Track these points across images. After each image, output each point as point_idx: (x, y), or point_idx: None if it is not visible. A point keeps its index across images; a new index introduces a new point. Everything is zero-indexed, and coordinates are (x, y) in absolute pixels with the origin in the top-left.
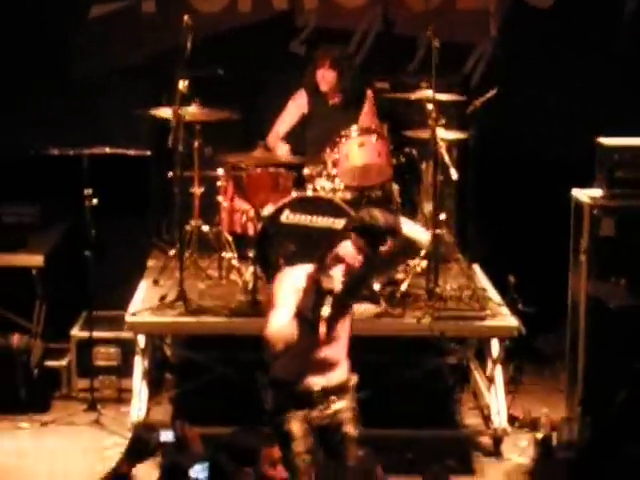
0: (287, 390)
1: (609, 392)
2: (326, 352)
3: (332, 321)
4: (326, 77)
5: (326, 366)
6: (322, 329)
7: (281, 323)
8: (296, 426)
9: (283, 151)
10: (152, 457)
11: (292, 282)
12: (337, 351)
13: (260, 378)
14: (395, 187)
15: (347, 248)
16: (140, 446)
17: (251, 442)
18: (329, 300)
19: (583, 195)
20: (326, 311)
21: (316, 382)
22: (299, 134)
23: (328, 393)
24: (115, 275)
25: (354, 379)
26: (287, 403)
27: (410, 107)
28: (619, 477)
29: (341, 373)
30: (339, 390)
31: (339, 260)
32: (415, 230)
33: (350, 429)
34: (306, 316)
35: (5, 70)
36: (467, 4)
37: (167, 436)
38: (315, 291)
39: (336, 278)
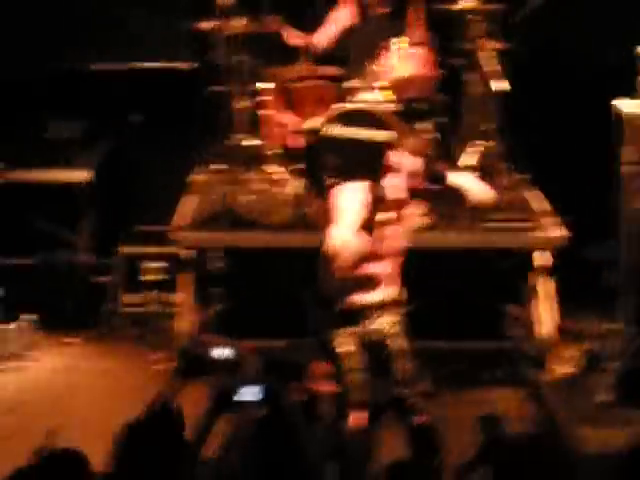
0: (333, 307)
1: None
2: (375, 266)
3: (383, 229)
4: None
5: (373, 281)
6: (377, 235)
7: (344, 238)
8: (343, 344)
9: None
10: (204, 375)
11: (349, 196)
12: (385, 266)
13: (307, 297)
14: (441, 98)
15: (398, 155)
16: (191, 363)
17: (300, 357)
18: (383, 207)
19: (624, 105)
20: (381, 217)
21: (363, 298)
22: (343, 44)
23: (375, 308)
24: (160, 190)
25: (403, 294)
26: (333, 321)
27: (455, 18)
28: None
29: (389, 288)
30: (387, 305)
31: (393, 169)
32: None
33: (398, 344)
34: (365, 227)
35: None
36: None
37: (220, 353)
38: (371, 201)
39: (388, 187)
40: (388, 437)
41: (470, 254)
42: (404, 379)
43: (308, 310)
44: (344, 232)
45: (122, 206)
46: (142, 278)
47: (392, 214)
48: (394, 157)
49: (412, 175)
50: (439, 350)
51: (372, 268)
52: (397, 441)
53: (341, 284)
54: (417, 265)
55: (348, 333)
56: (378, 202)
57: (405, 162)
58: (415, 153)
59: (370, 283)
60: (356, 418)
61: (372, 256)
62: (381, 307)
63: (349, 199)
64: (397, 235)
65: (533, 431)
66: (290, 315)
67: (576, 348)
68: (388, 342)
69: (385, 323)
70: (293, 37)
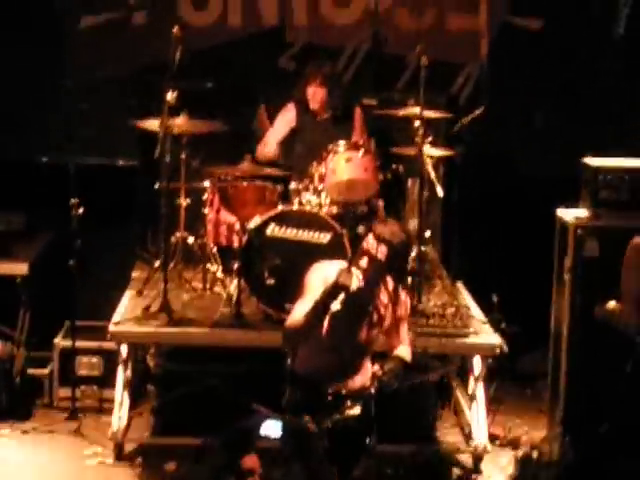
0: (304, 388)
1: (591, 412)
2: (350, 355)
3: (344, 321)
4: (317, 94)
5: (345, 369)
6: (325, 324)
7: (298, 315)
8: (310, 427)
9: (271, 149)
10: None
11: (322, 275)
12: (358, 356)
13: (285, 370)
14: (380, 203)
15: (369, 240)
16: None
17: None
18: (341, 297)
19: (568, 215)
20: (335, 307)
21: (333, 384)
22: (286, 148)
23: (345, 397)
24: (99, 285)
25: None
26: (303, 402)
27: (397, 124)
28: None
29: (361, 379)
30: (357, 396)
31: (363, 253)
32: None
33: (363, 438)
34: (319, 310)
35: None
36: (457, 24)
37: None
38: (332, 286)
39: (355, 277)
40: None
41: None
42: (364, 476)
43: (284, 385)
44: (300, 310)
45: (60, 299)
46: (78, 372)
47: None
48: (368, 242)
49: (375, 262)
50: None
51: (343, 354)
52: None
53: (311, 365)
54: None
55: (314, 418)
56: (343, 284)
57: (371, 247)
58: (381, 240)
59: (341, 370)
60: None
61: (355, 344)
62: (351, 396)
63: (318, 278)
64: (377, 331)
65: None
66: (224, 411)
67: (510, 456)
68: (353, 434)
69: (353, 414)
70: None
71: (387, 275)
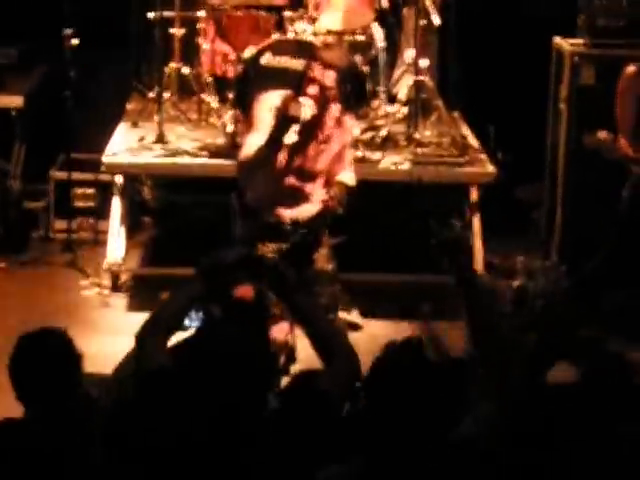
0: (257, 219)
1: (586, 240)
2: (297, 183)
3: (298, 150)
4: None
5: (297, 197)
6: (282, 156)
7: (252, 148)
8: (267, 256)
9: None
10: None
11: (268, 105)
12: (310, 184)
13: (234, 203)
14: (378, 32)
15: (315, 67)
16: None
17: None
18: (295, 128)
19: (564, 43)
20: (291, 139)
21: (286, 213)
22: None
23: (298, 225)
24: (94, 117)
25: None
26: (257, 233)
27: None
28: (593, 325)
29: (313, 207)
30: (311, 224)
31: (311, 81)
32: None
33: (323, 264)
34: (273, 143)
35: None
36: None
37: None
38: (283, 118)
39: (306, 106)
40: None
41: (403, 187)
42: (329, 302)
43: (232, 219)
44: (253, 142)
45: (56, 132)
46: (73, 204)
47: (326, 132)
48: (315, 70)
49: (324, 89)
50: (376, 282)
51: (295, 183)
52: None
53: (263, 196)
54: (350, 197)
55: (271, 248)
56: (294, 115)
57: (318, 74)
58: (328, 66)
59: (293, 198)
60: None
61: (302, 172)
62: (305, 225)
63: (265, 109)
64: (330, 155)
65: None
66: (220, 243)
67: (506, 284)
68: (312, 262)
69: (307, 241)
70: None
71: (335, 100)
